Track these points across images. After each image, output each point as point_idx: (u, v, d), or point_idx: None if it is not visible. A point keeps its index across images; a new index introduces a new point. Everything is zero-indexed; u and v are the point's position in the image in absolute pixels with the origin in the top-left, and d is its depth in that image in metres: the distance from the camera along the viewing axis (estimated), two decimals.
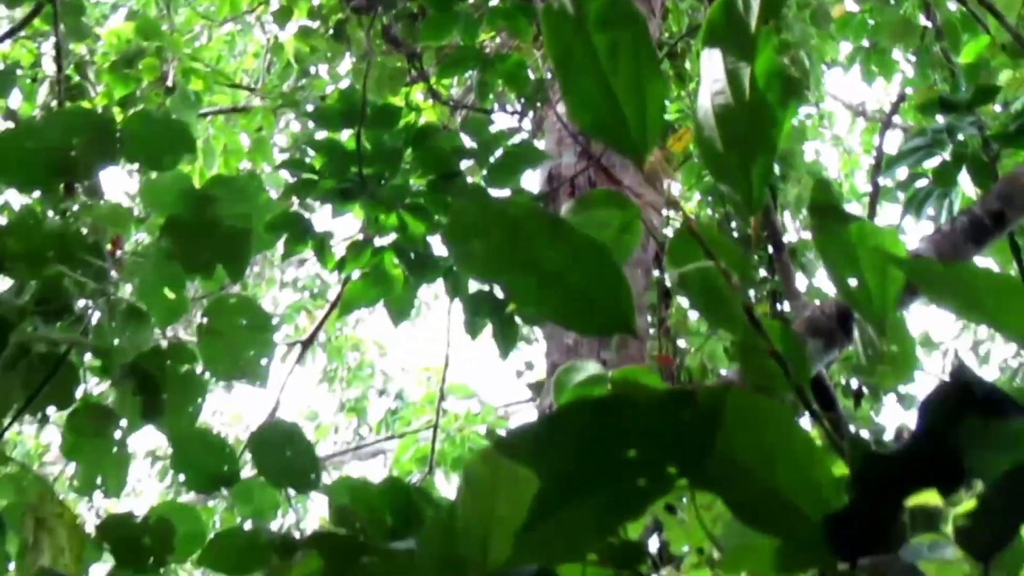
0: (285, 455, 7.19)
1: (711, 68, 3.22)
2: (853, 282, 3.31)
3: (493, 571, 2.50)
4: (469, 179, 13.29)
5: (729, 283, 3.37)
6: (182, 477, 9.21)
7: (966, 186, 13.14)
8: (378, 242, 13.33)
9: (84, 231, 9.94)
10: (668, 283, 13.99)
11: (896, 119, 18.81)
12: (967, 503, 2.64)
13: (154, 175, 9.96)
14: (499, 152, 13.09)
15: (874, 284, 3.22)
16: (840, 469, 2.94)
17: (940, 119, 13.60)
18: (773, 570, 3.10)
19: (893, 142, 17.90)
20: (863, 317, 3.40)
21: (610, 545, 3.42)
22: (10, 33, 14.34)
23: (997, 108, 13.61)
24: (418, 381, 32.66)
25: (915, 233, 23.13)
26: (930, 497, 2.94)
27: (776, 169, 16.39)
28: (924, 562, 2.89)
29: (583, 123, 3.19)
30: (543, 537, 2.58)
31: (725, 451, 2.64)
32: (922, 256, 8.11)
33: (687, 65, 17.02)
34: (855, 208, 19.60)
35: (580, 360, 6.16)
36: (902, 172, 13.89)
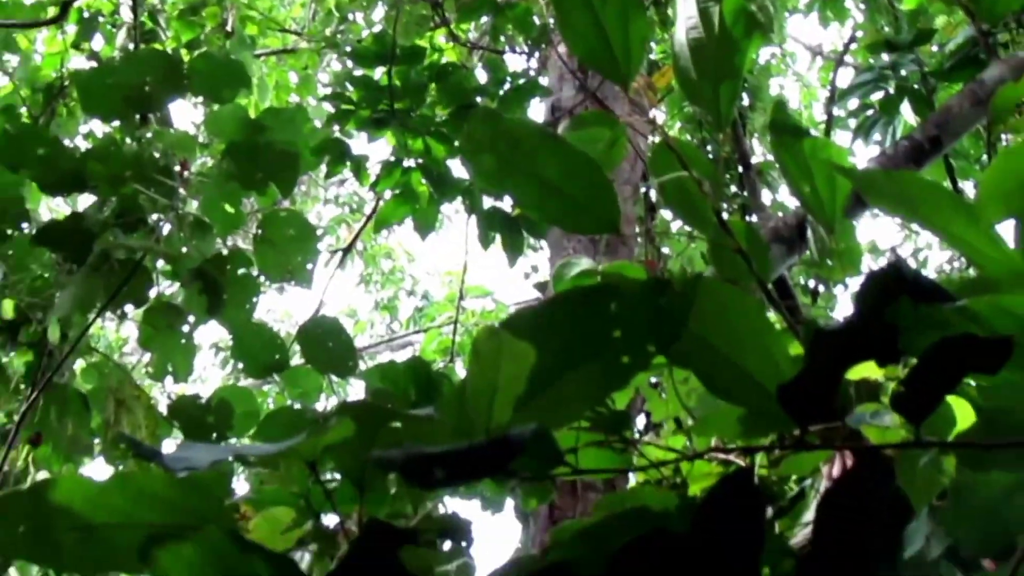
0: (328, 346, 7.27)
1: (686, 8, 3.24)
2: (807, 189, 3.32)
3: (496, 432, 2.50)
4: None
5: (701, 189, 3.37)
6: (240, 365, 9.49)
7: (907, 115, 13.42)
8: (406, 164, 13.60)
9: (156, 155, 10.08)
10: (653, 198, 14.07)
11: (848, 58, 18.79)
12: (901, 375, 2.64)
13: (216, 107, 10.09)
14: (508, 86, 13.34)
15: (825, 191, 3.22)
16: (796, 349, 2.94)
17: (885, 58, 14.14)
18: (738, 435, 3.11)
19: (845, 78, 17.89)
20: (816, 219, 3.40)
21: (600, 414, 3.41)
22: None
23: (934, 48, 14.01)
24: (441, 283, 32.85)
25: (863, 156, 23.06)
26: (871, 372, 2.94)
27: (745, 100, 16.49)
28: (866, 427, 2.89)
29: (579, 54, 3.20)
30: (541, 404, 2.59)
31: (697, 333, 2.65)
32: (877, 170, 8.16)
33: (670, 12, 17.02)
34: (813, 134, 19.61)
35: (577, 257, 6.22)
36: (853, 103, 14.53)
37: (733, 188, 16.01)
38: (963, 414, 2.98)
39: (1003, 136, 12.29)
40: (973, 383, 2.93)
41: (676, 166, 3.41)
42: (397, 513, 3.30)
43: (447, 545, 3.85)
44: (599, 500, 3.26)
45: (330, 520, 2.97)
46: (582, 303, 2.60)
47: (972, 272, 3.12)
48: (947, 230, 2.92)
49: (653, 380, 4.38)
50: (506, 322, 2.62)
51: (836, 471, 3.40)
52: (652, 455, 3.39)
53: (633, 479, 3.82)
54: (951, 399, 3.06)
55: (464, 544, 4.07)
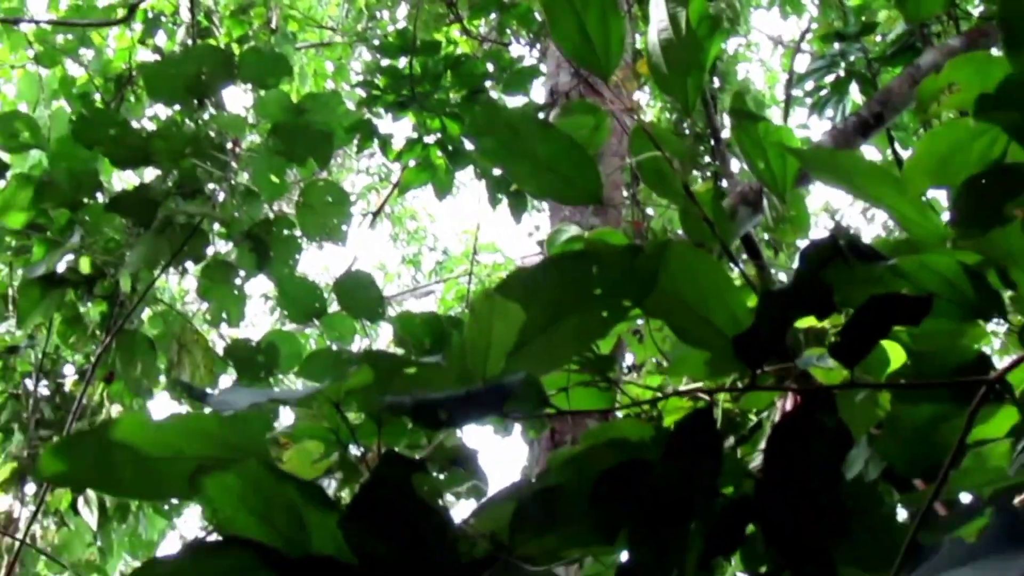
0: (360, 295, 7.35)
1: (657, 12, 3.26)
2: (761, 166, 3.33)
3: (491, 380, 2.52)
4: (493, 93, 13.49)
5: (671, 167, 3.38)
6: (285, 312, 9.67)
7: (855, 95, 13.77)
8: (426, 139, 13.79)
9: (211, 134, 10.36)
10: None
11: (804, 46, 18.80)
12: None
13: (262, 93, 10.27)
14: (512, 72, 13.54)
15: (777, 167, 3.23)
16: (752, 302, 2.94)
17: (836, 46, 14.48)
18: (705, 375, 3.13)
19: (803, 63, 17.91)
20: (769, 191, 3.41)
21: (587, 358, 3.42)
22: None
23: (878, 38, 14.34)
24: (458, 240, 33.11)
25: (818, 129, 23.16)
26: (818, 322, 2.95)
27: (716, 83, 16.59)
28: (813, 368, 2.90)
29: (565, 51, 3.21)
30: (533, 351, 2.60)
31: (668, 288, 2.66)
32: (817, 146, 8.29)
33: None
34: (775, 111, 19.67)
35: (567, 224, 6.34)
36: (809, 85, 14.92)
37: (707, 158, 16.14)
38: (896, 356, 3.00)
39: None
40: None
41: (651, 147, 3.43)
42: (413, 444, 3.32)
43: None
44: (587, 431, 3.26)
45: (354, 452, 2.98)
46: (568, 266, 2.63)
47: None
48: (880, 200, 2.94)
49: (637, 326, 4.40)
50: (502, 284, 2.64)
51: (788, 405, 3.42)
52: (632, 393, 3.40)
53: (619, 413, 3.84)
54: (886, 343, 3.07)
55: (471, 470, 4.10)
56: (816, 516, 2.45)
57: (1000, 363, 2.83)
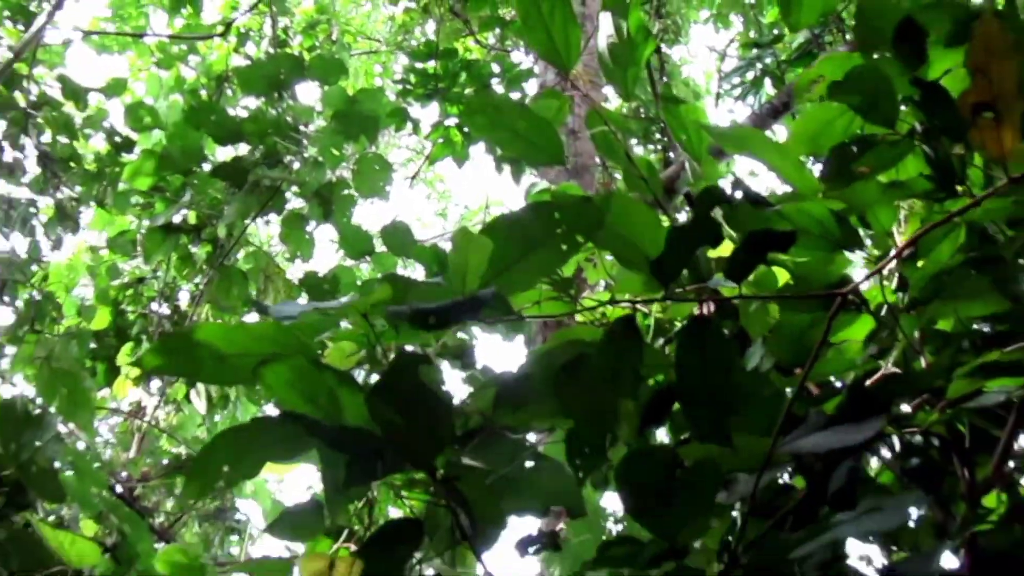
0: (400, 239, 7.37)
1: (606, 24, 3.26)
2: (684, 138, 3.33)
3: (468, 295, 2.54)
4: (499, 89, 13.67)
5: (616, 138, 3.37)
6: (344, 251, 9.77)
7: (768, 89, 14.18)
8: (448, 123, 13.73)
9: (289, 119, 10.40)
10: None
11: (731, 52, 18.78)
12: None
13: (326, 88, 10.29)
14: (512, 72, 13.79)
15: (694, 139, 3.23)
16: None
17: (754, 52, 14.90)
18: (640, 291, 3.13)
19: (730, 65, 17.96)
20: (690, 157, 3.40)
21: (554, 279, 3.42)
22: (250, 9, 14.53)
23: (791, 44, 14.76)
24: (475, 196, 33.33)
25: (742, 114, 23.19)
26: (725, 251, 2.94)
27: (665, 79, 16.63)
28: (721, 287, 2.89)
29: (536, 52, 3.21)
30: (511, 275, 2.62)
31: (612, 227, 2.65)
32: (731, 125, 8.41)
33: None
34: (710, 100, 19.72)
35: (541, 181, 6.45)
36: (735, 81, 15.17)
37: (659, 135, 16.18)
38: (782, 278, 3.01)
39: None
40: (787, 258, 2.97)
41: (602, 124, 3.44)
42: (425, 343, 3.32)
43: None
44: (554, 332, 3.29)
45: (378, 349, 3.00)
46: (538, 211, 2.63)
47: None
48: (769, 162, 2.93)
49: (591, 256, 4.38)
50: (491, 224, 2.67)
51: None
52: (587, 304, 3.39)
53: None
54: (776, 269, 3.08)
55: (470, 363, 4.14)
56: (720, 395, 2.45)
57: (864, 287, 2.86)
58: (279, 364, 2.53)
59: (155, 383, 10.89)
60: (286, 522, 2.95)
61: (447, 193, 33.51)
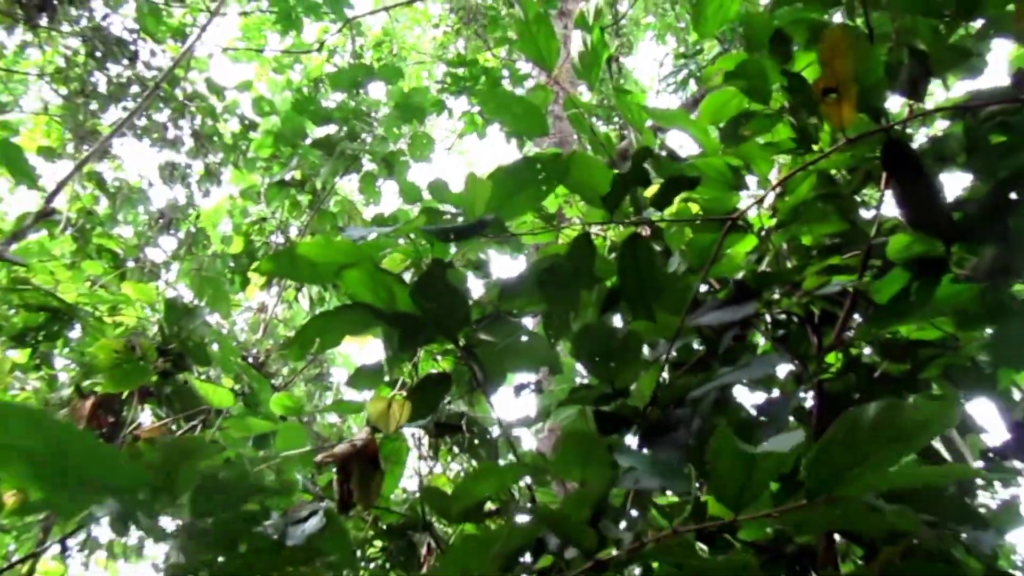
0: (440, 189, 7.30)
1: (576, 38, 3.23)
2: (629, 116, 3.30)
3: (476, 220, 2.53)
4: (508, 85, 13.52)
5: (585, 118, 3.35)
6: (402, 198, 9.77)
7: (692, 86, 13.77)
8: (472, 110, 13.45)
9: (364, 108, 10.18)
10: None
11: (667, 61, 18.47)
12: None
13: (388, 87, 10.15)
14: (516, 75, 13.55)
15: (636, 117, 3.20)
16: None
17: (683, 61, 14.42)
18: (598, 218, 3.12)
19: (667, 69, 17.68)
20: (634, 129, 3.38)
21: (540, 213, 3.42)
22: (337, 31, 14.26)
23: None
24: (491, 160, 33.01)
25: (675, 104, 22.80)
26: (652, 191, 2.93)
27: (622, 80, 16.33)
28: (653, 216, 2.88)
29: (527, 56, 3.16)
30: (508, 207, 2.61)
31: (577, 176, 2.64)
32: (663, 108, 8.25)
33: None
34: (652, 95, 19.32)
35: (536, 148, 6.37)
36: (670, 81, 14.76)
37: (616, 119, 15.98)
38: (694, 208, 2.99)
39: None
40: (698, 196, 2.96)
41: (575, 108, 3.41)
42: (455, 257, 3.32)
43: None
44: (541, 249, 3.28)
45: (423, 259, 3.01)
46: (525, 163, 2.62)
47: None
48: (688, 131, 2.92)
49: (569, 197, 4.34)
50: (495, 171, 2.66)
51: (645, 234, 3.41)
52: (565, 231, 3.39)
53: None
54: (690, 203, 3.08)
55: (486, 272, 4.14)
56: (649, 288, 2.46)
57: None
58: (354, 269, 2.55)
59: (274, 289, 10.90)
60: (360, 377, 2.98)
61: (473, 159, 33.43)
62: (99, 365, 3.95)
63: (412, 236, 2.91)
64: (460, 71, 13.98)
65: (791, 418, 2.57)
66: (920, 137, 2.65)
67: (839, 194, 2.56)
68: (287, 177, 10.57)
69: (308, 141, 10.44)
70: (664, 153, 2.86)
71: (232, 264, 10.76)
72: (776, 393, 2.56)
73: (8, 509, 3.17)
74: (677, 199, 2.92)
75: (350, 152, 10.25)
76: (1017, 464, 2.60)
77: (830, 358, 2.57)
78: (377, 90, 13.22)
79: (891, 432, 1.58)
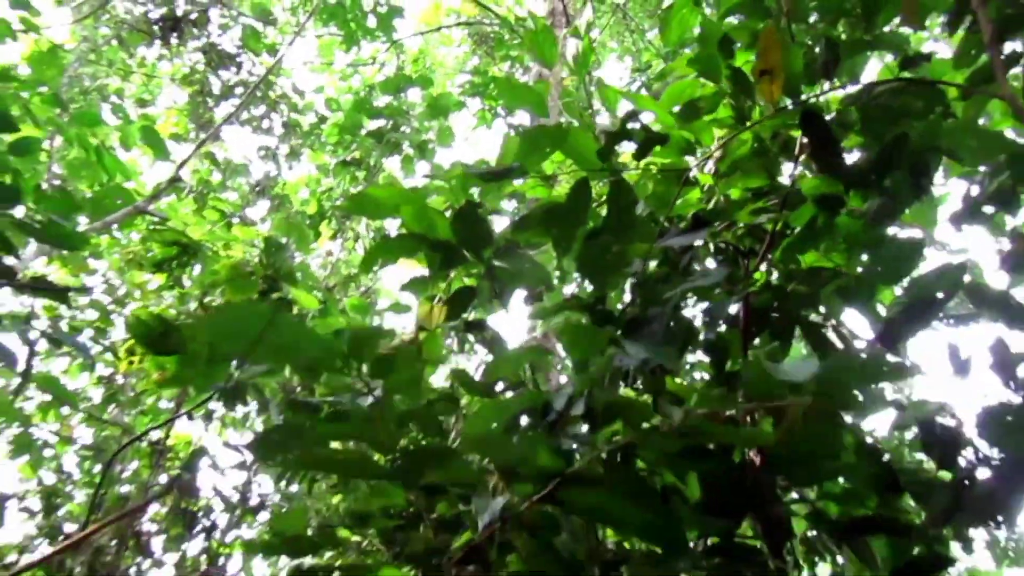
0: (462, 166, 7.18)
1: (570, 47, 3.14)
2: (607, 104, 3.21)
3: (506, 167, 2.47)
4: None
5: (575, 104, 3.27)
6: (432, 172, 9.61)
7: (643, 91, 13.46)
8: (485, 107, 13.22)
9: (404, 107, 10.00)
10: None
11: (626, 74, 18.18)
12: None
13: (424, 92, 9.98)
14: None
15: (612, 101, 3.12)
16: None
17: (636, 74, 13.59)
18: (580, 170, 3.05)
19: (625, 80, 17.43)
20: (610, 113, 3.29)
21: (540, 171, 3.35)
22: (385, 50, 13.97)
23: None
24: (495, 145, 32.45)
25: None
26: (626, 158, 2.83)
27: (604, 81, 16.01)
28: (627, 173, 2.80)
29: (535, 57, 3.08)
30: (524, 165, 2.54)
31: (572, 141, 2.57)
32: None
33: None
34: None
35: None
36: (631, 86, 14.29)
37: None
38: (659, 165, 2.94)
39: None
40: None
41: (570, 96, 3.33)
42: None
43: None
44: (537, 202, 3.21)
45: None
46: (535, 131, 2.55)
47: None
48: (652, 111, 2.84)
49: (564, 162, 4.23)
50: (515, 135, 2.60)
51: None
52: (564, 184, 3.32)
53: None
54: (653, 167, 3.00)
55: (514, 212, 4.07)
56: (627, 220, 2.41)
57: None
58: (408, 207, 2.50)
59: (338, 241, 10.81)
60: (412, 283, 2.94)
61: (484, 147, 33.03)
62: (221, 280, 3.91)
63: (451, 184, 2.85)
64: (475, 79, 13.78)
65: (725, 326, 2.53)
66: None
67: (766, 151, 2.50)
68: (348, 158, 10.44)
69: (364, 131, 10.32)
70: (636, 124, 2.79)
71: (309, 220, 10.68)
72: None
73: (157, 381, 3.16)
74: (643, 162, 2.86)
75: (394, 140, 10.14)
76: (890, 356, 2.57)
77: (758, 276, 2.53)
78: (414, 94, 13.13)
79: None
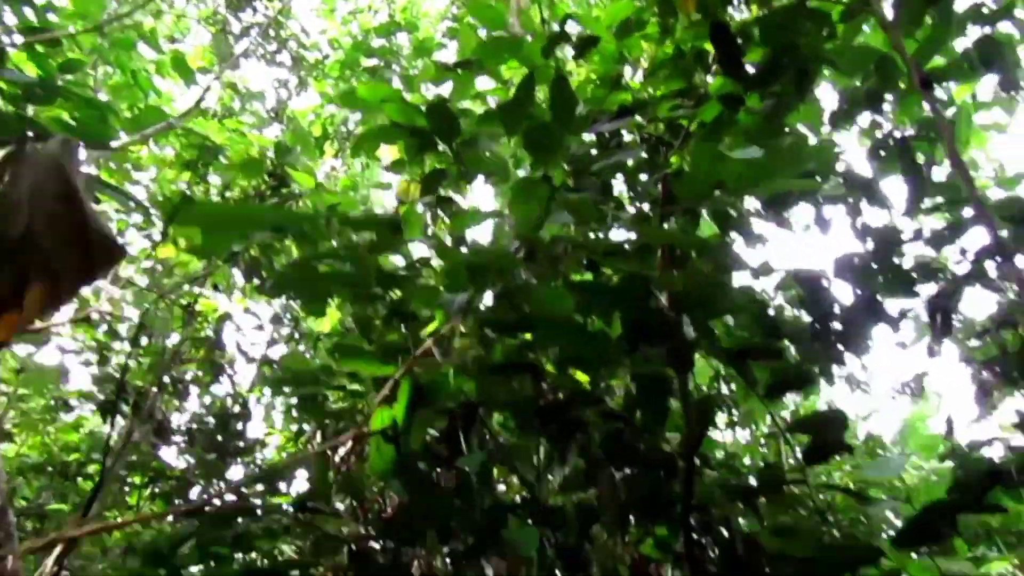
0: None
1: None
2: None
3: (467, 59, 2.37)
4: None
5: (530, 19, 3.16)
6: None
7: None
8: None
9: (394, 48, 9.45)
10: None
11: None
12: None
13: (409, 35, 9.45)
14: None
15: (559, 14, 3.01)
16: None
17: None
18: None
19: None
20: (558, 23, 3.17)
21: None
22: None
23: None
24: None
25: None
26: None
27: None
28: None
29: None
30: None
31: (524, 50, 2.51)
32: None
33: None
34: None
35: None
36: None
37: None
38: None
39: None
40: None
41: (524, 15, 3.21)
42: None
43: None
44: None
45: None
46: (496, 39, 2.48)
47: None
48: (592, 27, 2.76)
49: None
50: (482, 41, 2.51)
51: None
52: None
53: None
54: (592, 75, 2.92)
55: None
56: (568, 111, 2.33)
57: None
58: (391, 103, 2.45)
59: (338, 160, 10.42)
60: (394, 165, 2.89)
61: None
62: (235, 167, 3.84)
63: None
64: (453, 26, 13.23)
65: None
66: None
67: (684, 58, 2.47)
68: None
69: (361, 68, 9.97)
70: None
71: (314, 141, 10.38)
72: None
73: (185, 248, 3.12)
74: (583, 73, 2.80)
75: (386, 76, 9.79)
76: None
77: (674, 160, 2.53)
78: (402, 37, 12.55)
79: None
